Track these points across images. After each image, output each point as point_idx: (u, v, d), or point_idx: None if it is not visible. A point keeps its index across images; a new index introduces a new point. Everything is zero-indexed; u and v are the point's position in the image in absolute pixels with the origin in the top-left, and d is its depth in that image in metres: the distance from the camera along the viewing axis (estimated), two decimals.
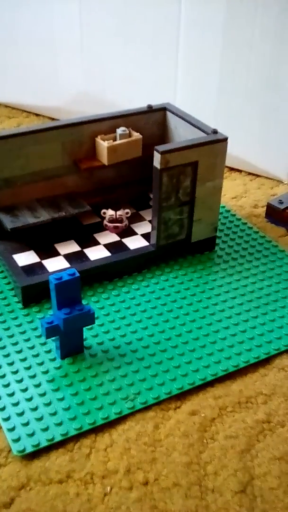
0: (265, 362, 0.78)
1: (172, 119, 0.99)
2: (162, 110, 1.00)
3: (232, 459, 0.65)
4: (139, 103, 1.02)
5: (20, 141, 0.90)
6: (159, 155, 0.83)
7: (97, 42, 1.28)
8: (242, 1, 1.06)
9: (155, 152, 0.84)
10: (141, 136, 0.96)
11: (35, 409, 0.69)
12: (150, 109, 0.99)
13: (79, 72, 1.33)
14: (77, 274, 0.71)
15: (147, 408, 0.70)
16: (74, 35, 1.30)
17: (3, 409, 0.69)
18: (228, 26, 1.10)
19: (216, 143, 0.87)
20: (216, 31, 1.11)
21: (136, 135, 0.96)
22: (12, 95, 1.46)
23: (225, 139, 0.88)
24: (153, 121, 1.00)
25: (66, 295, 0.72)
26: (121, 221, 0.95)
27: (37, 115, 1.45)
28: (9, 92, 1.46)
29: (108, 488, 0.62)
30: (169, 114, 1.00)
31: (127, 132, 0.95)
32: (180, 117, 0.97)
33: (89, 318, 0.74)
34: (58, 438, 0.66)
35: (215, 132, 0.89)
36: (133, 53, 1.24)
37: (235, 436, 0.68)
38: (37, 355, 0.76)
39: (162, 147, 0.84)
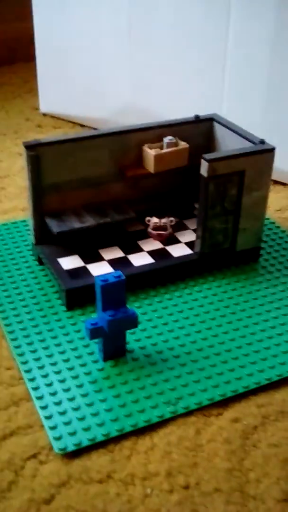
0: None
1: (219, 130, 1.00)
2: (209, 120, 1.00)
3: (275, 468, 0.64)
4: (185, 114, 1.02)
5: (69, 147, 0.91)
6: (207, 163, 0.84)
7: (144, 54, 1.29)
8: None
9: (202, 160, 0.84)
10: (187, 145, 0.97)
11: (77, 409, 0.69)
12: (197, 119, 1.00)
13: (126, 84, 1.35)
14: (123, 277, 0.72)
15: (189, 413, 0.70)
16: (121, 47, 1.32)
17: (45, 407, 0.69)
18: (276, 39, 1.10)
19: (263, 153, 0.87)
20: (264, 43, 1.12)
21: (183, 144, 0.97)
22: (58, 106, 1.49)
23: (272, 149, 0.88)
24: (200, 131, 1.01)
25: (111, 297, 0.72)
26: (165, 228, 0.96)
27: (82, 126, 1.47)
28: (56, 103, 1.49)
29: (149, 490, 0.62)
30: (216, 124, 1.00)
31: (174, 141, 0.96)
32: (227, 127, 0.97)
33: (132, 321, 0.74)
34: (100, 438, 0.66)
35: (262, 142, 0.89)
36: (180, 64, 1.25)
37: (278, 445, 0.67)
38: (80, 357, 0.76)
39: (209, 156, 0.84)
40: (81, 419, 0.68)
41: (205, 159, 0.84)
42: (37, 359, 0.76)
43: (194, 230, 0.96)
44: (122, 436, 0.67)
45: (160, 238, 0.96)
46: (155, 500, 0.61)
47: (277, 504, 0.61)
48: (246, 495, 0.61)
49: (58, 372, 0.74)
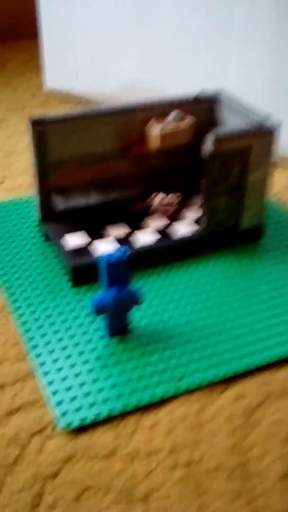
0: None
1: (224, 106, 0.99)
2: (215, 96, 1.00)
3: (277, 445, 0.65)
4: (190, 91, 1.01)
5: (73, 124, 0.91)
6: (212, 141, 0.83)
7: (150, 30, 1.28)
8: None
9: (207, 138, 0.84)
10: (194, 120, 0.96)
11: (83, 384, 0.70)
12: (201, 96, 0.99)
13: (132, 59, 1.34)
14: (127, 254, 0.72)
15: (192, 390, 0.71)
16: (126, 23, 1.30)
17: (51, 383, 0.70)
18: (284, 13, 1.09)
19: (268, 131, 0.87)
20: (271, 19, 1.10)
21: (188, 120, 0.96)
22: (65, 83, 1.48)
23: (277, 127, 0.87)
24: (204, 108, 1.00)
25: (116, 275, 0.73)
26: (171, 204, 0.96)
27: (88, 102, 1.46)
28: (61, 79, 1.48)
29: (154, 465, 0.63)
30: (221, 101, 0.99)
31: (180, 115, 0.95)
32: (232, 104, 0.96)
33: (137, 298, 0.75)
34: (105, 414, 0.67)
35: (267, 119, 0.89)
36: (186, 40, 1.24)
37: (280, 423, 0.68)
38: (85, 333, 0.77)
39: (214, 133, 0.84)
40: (87, 395, 0.69)
41: (210, 136, 0.83)
42: (43, 335, 0.77)
43: (199, 207, 0.96)
44: (127, 413, 0.68)
45: (166, 214, 0.96)
46: (159, 476, 0.62)
47: (279, 481, 0.62)
48: (248, 472, 0.63)
49: (64, 348, 0.75)
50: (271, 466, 0.63)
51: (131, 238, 0.91)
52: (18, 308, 0.81)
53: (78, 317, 0.80)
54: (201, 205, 0.90)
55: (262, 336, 0.78)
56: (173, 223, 0.95)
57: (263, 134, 0.87)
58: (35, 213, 0.99)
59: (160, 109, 0.96)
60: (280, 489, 0.61)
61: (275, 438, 0.66)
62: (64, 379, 0.71)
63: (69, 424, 0.66)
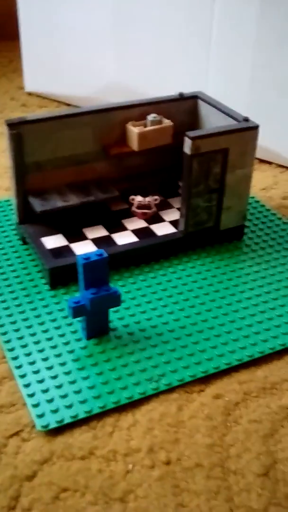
0: None
1: (203, 107, 0.99)
2: (194, 98, 1.00)
3: (255, 443, 0.65)
4: (170, 93, 1.02)
5: (51, 126, 0.90)
6: (190, 141, 0.83)
7: (129, 31, 1.28)
8: None
9: (186, 138, 0.84)
10: (172, 123, 0.96)
11: (60, 386, 0.69)
12: (181, 97, 0.99)
13: (110, 62, 1.34)
14: (105, 255, 0.71)
15: (171, 390, 0.70)
16: (105, 25, 1.30)
17: (28, 385, 0.69)
18: (262, 16, 1.09)
19: (247, 131, 0.87)
20: (250, 20, 1.11)
21: (167, 122, 0.96)
22: (43, 85, 1.47)
23: (256, 127, 0.88)
24: (184, 109, 1.00)
25: (94, 276, 0.72)
26: (149, 207, 0.96)
27: (67, 104, 1.46)
28: (41, 82, 1.48)
29: (130, 466, 0.62)
30: (200, 102, 0.99)
31: (158, 118, 0.96)
32: (211, 105, 0.97)
33: (115, 299, 0.74)
34: (82, 415, 0.66)
35: (246, 120, 0.89)
36: (165, 42, 1.24)
37: (259, 421, 0.67)
38: (63, 335, 0.76)
39: (193, 133, 0.84)
40: (64, 396, 0.68)
41: (188, 137, 0.83)
42: (20, 338, 0.76)
43: (179, 209, 0.96)
44: (105, 413, 0.67)
45: (144, 216, 0.96)
46: (137, 476, 0.61)
47: (257, 478, 0.61)
48: (227, 470, 0.62)
49: (41, 351, 0.74)
50: (249, 464, 0.63)
51: (110, 240, 0.91)
52: None
53: (55, 319, 0.79)
54: (181, 206, 0.90)
55: (242, 335, 0.78)
56: (152, 225, 0.94)
57: (242, 134, 0.87)
58: (12, 216, 0.98)
59: (139, 110, 0.96)
60: (258, 486, 0.60)
61: (254, 437, 0.65)
62: (41, 381, 0.70)
63: (46, 425, 0.65)
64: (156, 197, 0.97)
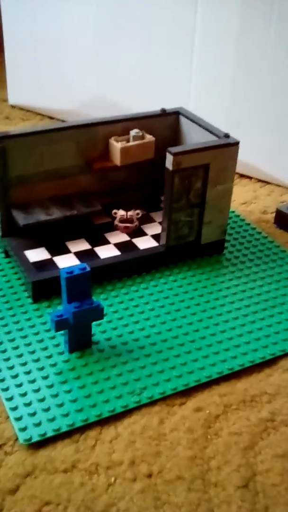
0: (271, 362, 0.78)
1: (185, 123, 1.01)
2: (175, 114, 1.01)
3: (236, 455, 0.66)
4: (152, 108, 1.03)
5: (35, 140, 0.91)
6: (172, 157, 0.85)
7: (112, 46, 1.30)
8: (256, 9, 1.08)
9: (167, 154, 0.85)
10: (154, 139, 0.98)
11: (43, 400, 0.70)
12: (163, 113, 1.01)
13: (94, 76, 1.35)
14: (88, 269, 0.72)
15: (152, 403, 0.71)
16: (89, 39, 1.32)
17: (10, 399, 0.70)
18: (242, 32, 1.11)
19: (228, 147, 0.89)
20: (231, 37, 1.13)
21: (149, 137, 0.98)
22: (27, 98, 1.48)
23: (236, 143, 0.89)
24: (166, 125, 1.01)
25: (77, 290, 0.73)
26: (131, 221, 0.97)
27: (51, 118, 1.47)
28: (24, 95, 1.48)
29: (112, 479, 0.63)
30: (182, 118, 1.01)
31: (141, 134, 0.97)
32: (193, 121, 0.98)
33: (98, 313, 0.75)
34: (64, 428, 0.67)
35: (227, 136, 0.91)
36: (148, 58, 1.26)
37: (239, 433, 0.68)
38: (45, 348, 0.77)
39: (174, 149, 0.85)
40: (46, 410, 0.69)
41: (170, 152, 0.85)
42: (3, 351, 0.76)
43: (160, 223, 0.98)
44: (87, 426, 0.68)
45: (126, 230, 0.97)
46: (119, 489, 0.62)
47: (237, 490, 0.62)
48: (208, 483, 0.63)
49: (23, 364, 0.75)
50: (230, 476, 0.64)
51: (92, 254, 0.92)
52: None
53: (38, 332, 0.80)
54: (162, 220, 0.91)
55: (222, 348, 0.79)
56: (134, 238, 0.95)
57: (223, 150, 0.88)
58: None
59: (122, 126, 0.98)
60: (238, 498, 0.61)
61: (234, 449, 0.66)
62: (23, 394, 0.70)
63: (29, 439, 0.66)
64: (138, 211, 0.98)
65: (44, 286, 0.85)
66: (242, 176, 1.24)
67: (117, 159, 0.96)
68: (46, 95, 1.44)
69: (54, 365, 0.75)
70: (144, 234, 0.97)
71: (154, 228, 0.98)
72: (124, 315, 0.84)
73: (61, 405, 0.69)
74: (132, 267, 0.91)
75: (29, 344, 0.78)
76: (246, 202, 1.15)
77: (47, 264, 0.88)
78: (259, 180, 1.23)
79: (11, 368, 0.74)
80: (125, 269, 0.91)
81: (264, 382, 0.75)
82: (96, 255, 0.91)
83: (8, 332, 0.79)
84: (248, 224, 1.06)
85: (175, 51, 1.21)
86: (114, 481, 0.63)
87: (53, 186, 0.96)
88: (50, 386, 0.72)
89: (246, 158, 1.16)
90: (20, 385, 0.72)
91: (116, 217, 0.97)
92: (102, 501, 0.61)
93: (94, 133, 0.96)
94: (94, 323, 0.80)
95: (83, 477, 0.63)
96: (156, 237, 0.96)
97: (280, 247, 1.00)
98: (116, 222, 0.97)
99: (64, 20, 1.33)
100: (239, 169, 1.08)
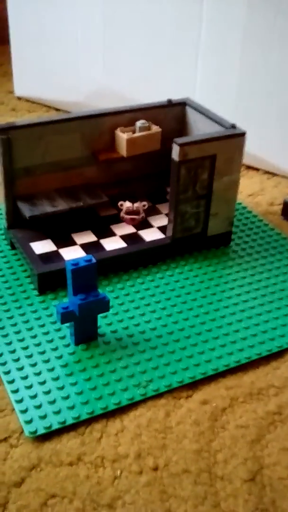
0: (278, 355, 0.78)
1: (191, 114, 1.00)
2: (182, 104, 1.01)
3: (242, 449, 0.65)
4: (158, 99, 1.02)
5: (40, 131, 0.90)
6: (178, 147, 0.84)
7: (118, 38, 1.29)
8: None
9: (173, 145, 0.84)
10: (160, 129, 0.97)
11: (48, 392, 0.69)
12: (170, 103, 1.00)
13: (100, 68, 1.34)
14: (94, 261, 0.72)
15: (159, 395, 0.71)
16: (96, 31, 1.31)
17: (16, 391, 0.69)
18: (249, 25, 1.10)
19: (234, 137, 0.88)
20: (237, 29, 1.12)
21: (156, 128, 0.97)
22: (33, 90, 1.48)
23: (243, 134, 0.88)
24: (172, 115, 1.01)
25: (82, 281, 0.72)
26: (138, 213, 0.96)
27: (57, 109, 1.46)
28: (30, 86, 1.48)
29: (118, 472, 0.62)
30: (188, 108, 1.00)
31: (147, 125, 0.96)
32: (199, 111, 0.97)
33: (104, 305, 0.74)
34: (70, 421, 0.67)
35: (233, 126, 0.90)
36: (154, 49, 1.24)
37: (246, 426, 0.68)
38: (51, 341, 0.77)
39: (180, 140, 0.84)
40: (52, 402, 0.68)
41: (176, 143, 0.84)
42: (9, 343, 0.76)
43: (167, 215, 0.97)
44: (93, 419, 0.68)
45: (132, 222, 0.96)
46: (124, 482, 0.62)
47: (244, 483, 0.62)
48: (214, 476, 0.63)
49: (29, 356, 0.74)
50: (236, 469, 0.63)
51: (98, 245, 0.91)
52: None
53: (44, 325, 0.79)
54: (169, 212, 0.91)
55: (229, 341, 0.78)
56: (140, 230, 0.95)
57: (230, 141, 0.87)
58: (1, 220, 0.98)
59: (128, 117, 0.97)
60: (245, 492, 0.61)
61: (241, 442, 0.66)
62: (29, 387, 0.70)
63: (35, 431, 0.65)
64: (144, 203, 0.97)
65: (50, 278, 0.84)
66: (249, 167, 1.23)
67: (123, 150, 0.96)
68: (52, 86, 1.44)
69: (60, 357, 0.74)
70: (150, 226, 0.96)
71: (161, 220, 0.97)
72: (130, 307, 0.83)
73: (66, 397, 0.69)
74: (138, 259, 0.91)
75: (35, 337, 0.77)
76: (253, 193, 1.14)
77: (53, 256, 0.88)
78: (266, 172, 1.22)
79: (17, 360, 0.74)
80: (131, 261, 0.90)
81: (271, 375, 0.75)
82: (102, 247, 0.91)
83: (14, 324, 0.79)
84: (255, 216, 1.05)
85: (181, 41, 1.20)
86: (120, 474, 0.62)
87: (59, 178, 0.96)
88: (56, 379, 0.71)
89: (253, 150, 1.15)
90: (25, 378, 0.71)
91: (122, 209, 0.97)
92: (108, 494, 0.60)
93: (100, 124, 0.95)
94: (100, 315, 0.79)
95: (89, 470, 0.63)
96: (162, 229, 0.95)
97: (287, 239, 0.99)
98: (122, 213, 0.97)
99: (70, 11, 1.32)
100: (246, 160, 1.07)
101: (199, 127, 0.98)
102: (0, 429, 0.66)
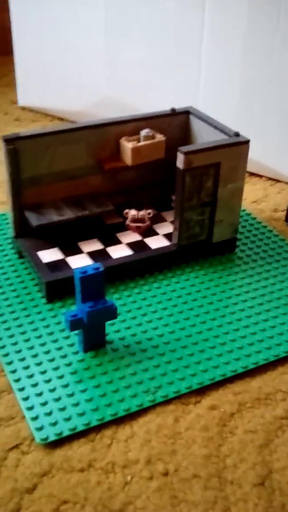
0: (284, 360, 0.78)
1: (195, 122, 1.01)
2: (186, 113, 1.02)
3: (251, 453, 0.66)
4: (162, 107, 1.03)
5: (47, 141, 0.92)
6: (183, 156, 0.85)
7: (121, 48, 1.30)
8: (264, 8, 1.08)
9: (178, 153, 0.85)
10: (164, 138, 0.98)
11: (58, 399, 0.70)
12: (173, 112, 1.01)
13: (103, 77, 1.36)
14: (102, 269, 0.73)
15: (167, 401, 0.72)
16: (98, 41, 1.32)
17: (26, 398, 0.70)
18: (250, 33, 1.12)
19: (238, 145, 0.89)
20: (238, 37, 1.13)
21: (160, 137, 0.98)
22: (37, 100, 1.49)
23: (247, 142, 0.89)
24: (176, 124, 1.02)
25: (90, 289, 0.73)
26: (143, 221, 0.97)
27: (61, 119, 1.47)
28: (34, 96, 1.49)
29: (129, 477, 0.63)
30: (192, 117, 1.01)
31: (151, 134, 0.97)
32: (203, 120, 0.98)
33: (112, 312, 0.75)
34: (80, 428, 0.67)
35: (237, 134, 0.91)
36: (157, 58, 1.26)
37: (254, 431, 0.69)
38: (60, 348, 0.78)
39: (185, 148, 0.85)
40: (62, 409, 0.69)
41: (181, 152, 0.85)
42: (18, 351, 0.77)
43: (172, 222, 0.98)
44: (103, 425, 0.69)
45: (138, 230, 0.97)
46: (135, 487, 0.62)
47: (253, 488, 0.62)
48: (224, 481, 0.63)
49: (39, 364, 0.75)
50: (246, 474, 0.64)
51: (105, 254, 0.92)
52: None
53: (52, 332, 0.80)
54: (174, 220, 0.92)
55: (236, 346, 0.79)
56: (146, 238, 0.96)
57: (234, 149, 0.88)
58: (8, 230, 0.99)
59: (132, 126, 0.98)
60: (255, 496, 0.62)
61: (249, 447, 0.67)
62: (39, 394, 0.71)
63: (45, 438, 0.66)
64: (149, 210, 0.98)
65: (57, 286, 0.85)
66: (252, 174, 1.24)
67: (128, 159, 0.97)
68: (55, 96, 1.45)
69: (69, 364, 0.75)
70: (156, 233, 0.97)
71: (166, 228, 0.98)
72: (137, 314, 0.84)
73: (76, 404, 0.70)
74: (145, 266, 0.92)
75: (43, 344, 0.78)
76: (257, 200, 1.15)
77: (60, 265, 0.89)
78: (269, 178, 1.23)
79: (27, 368, 0.74)
80: (137, 269, 0.91)
81: (278, 380, 0.76)
82: (108, 255, 0.92)
83: (23, 332, 0.80)
84: (259, 223, 1.06)
85: (183, 50, 1.21)
86: (130, 480, 0.63)
87: (65, 187, 0.97)
88: (66, 386, 0.72)
89: (256, 157, 1.16)
90: (35, 385, 0.72)
91: (128, 217, 0.98)
92: (119, 500, 0.61)
93: (104, 134, 0.96)
94: (107, 322, 0.80)
95: (100, 476, 0.63)
96: (168, 236, 0.96)
97: None
98: (127, 222, 0.97)
99: (73, 21, 1.34)
100: (249, 167, 1.08)
101: (203, 136, 0.99)
102: (11, 436, 0.67)
